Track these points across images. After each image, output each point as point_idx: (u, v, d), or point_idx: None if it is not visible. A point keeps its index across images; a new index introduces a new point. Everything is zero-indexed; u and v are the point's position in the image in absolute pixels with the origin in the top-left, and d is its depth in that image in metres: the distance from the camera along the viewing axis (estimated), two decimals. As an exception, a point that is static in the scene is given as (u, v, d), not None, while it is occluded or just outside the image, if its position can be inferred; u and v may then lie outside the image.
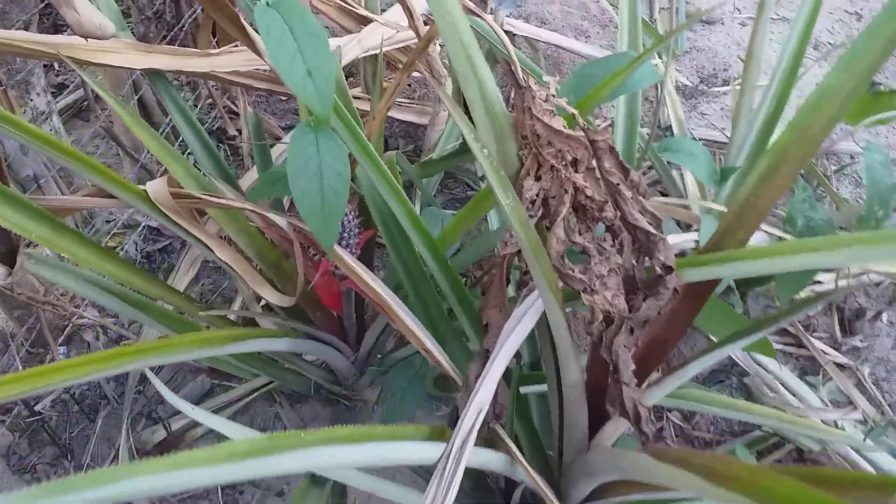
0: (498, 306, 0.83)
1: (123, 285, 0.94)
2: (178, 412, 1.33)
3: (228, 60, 1.19)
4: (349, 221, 0.98)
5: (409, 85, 1.89)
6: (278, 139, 1.87)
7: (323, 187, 0.78)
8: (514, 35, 1.62)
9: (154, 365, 0.81)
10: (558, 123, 0.75)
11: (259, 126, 1.46)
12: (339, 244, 0.98)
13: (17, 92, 1.22)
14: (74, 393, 1.37)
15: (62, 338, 1.39)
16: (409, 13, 1.11)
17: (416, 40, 1.22)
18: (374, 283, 0.91)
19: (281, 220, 0.88)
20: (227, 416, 1.33)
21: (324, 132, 0.80)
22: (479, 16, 0.76)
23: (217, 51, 1.18)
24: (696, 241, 0.88)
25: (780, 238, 1.03)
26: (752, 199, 0.73)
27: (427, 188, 1.41)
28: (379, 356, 1.33)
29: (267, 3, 0.78)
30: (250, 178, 1.74)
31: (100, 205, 0.91)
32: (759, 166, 0.70)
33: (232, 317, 1.26)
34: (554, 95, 0.77)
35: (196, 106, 1.93)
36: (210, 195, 0.90)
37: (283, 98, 2.01)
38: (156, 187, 0.90)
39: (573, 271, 0.73)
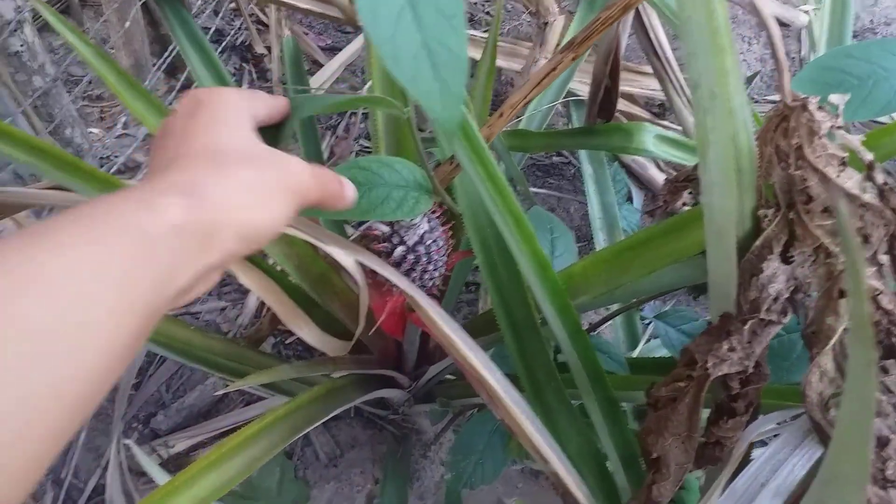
0: (681, 437, 0.56)
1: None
2: (183, 426, 1.10)
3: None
4: (434, 240, 0.69)
5: (488, 12, 1.52)
6: (318, 65, 1.54)
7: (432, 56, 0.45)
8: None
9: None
10: (852, 182, 0.45)
11: (297, 57, 1.15)
12: (420, 274, 0.70)
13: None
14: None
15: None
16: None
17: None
18: (470, 354, 0.64)
19: (345, 259, 0.59)
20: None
21: None
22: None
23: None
24: None
25: None
26: None
27: (515, 164, 1.10)
28: (439, 382, 1.07)
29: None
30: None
31: (64, 202, 0.62)
32: None
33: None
34: (840, 127, 0.46)
35: (216, 13, 1.59)
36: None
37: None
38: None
39: (849, 439, 0.45)
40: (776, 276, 0.49)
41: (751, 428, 0.51)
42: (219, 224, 0.32)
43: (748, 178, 0.47)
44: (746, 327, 0.50)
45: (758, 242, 0.50)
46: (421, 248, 0.68)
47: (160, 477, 0.58)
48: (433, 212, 0.69)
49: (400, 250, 0.67)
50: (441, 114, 0.46)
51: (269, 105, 0.44)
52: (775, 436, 0.53)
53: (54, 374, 0.23)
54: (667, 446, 0.56)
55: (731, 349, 0.50)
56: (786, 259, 0.49)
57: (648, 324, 1.24)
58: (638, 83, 1.38)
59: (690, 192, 0.67)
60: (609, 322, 1.16)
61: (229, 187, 0.33)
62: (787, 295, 0.49)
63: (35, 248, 0.24)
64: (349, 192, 0.46)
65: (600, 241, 1.11)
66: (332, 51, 1.63)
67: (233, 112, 0.38)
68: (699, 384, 0.53)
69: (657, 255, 0.60)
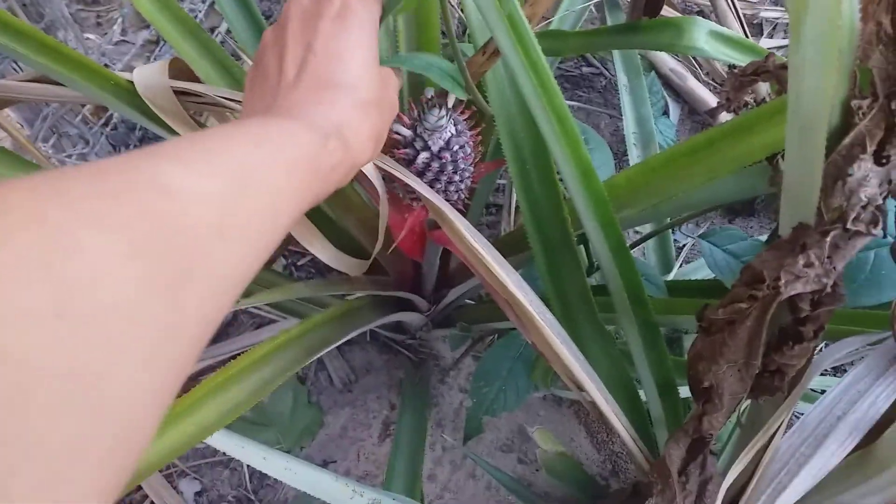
0: (738, 364, 0.50)
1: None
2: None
3: None
4: (461, 146, 0.63)
5: None
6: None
7: None
8: None
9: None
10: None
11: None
12: (445, 185, 0.64)
13: None
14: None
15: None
16: None
17: None
18: (501, 272, 0.58)
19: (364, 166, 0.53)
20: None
21: None
22: None
23: None
24: None
25: None
26: None
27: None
28: (458, 307, 1.02)
29: None
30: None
31: (50, 97, 0.56)
32: None
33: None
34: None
35: None
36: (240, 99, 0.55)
37: None
38: (148, 78, 0.55)
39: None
40: (867, 179, 0.42)
41: (823, 354, 0.46)
42: (354, 165, 0.39)
43: (846, 60, 0.40)
44: (828, 239, 0.43)
45: (847, 140, 0.43)
46: (447, 155, 0.61)
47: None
48: (460, 114, 0.62)
49: (423, 157, 0.61)
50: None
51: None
52: (840, 366, 0.48)
53: (254, 254, 0.29)
54: (721, 375, 0.51)
55: (809, 264, 0.44)
56: (879, 160, 0.42)
57: (682, 247, 1.18)
58: (678, -15, 1.27)
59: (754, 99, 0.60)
60: (640, 245, 1.10)
61: (364, 134, 0.40)
62: (879, 201, 0.42)
63: (252, 156, 0.30)
64: (400, 82, 0.51)
65: (634, 157, 1.03)
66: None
67: (374, 37, 0.43)
68: (764, 305, 0.47)
69: (720, 159, 0.53)
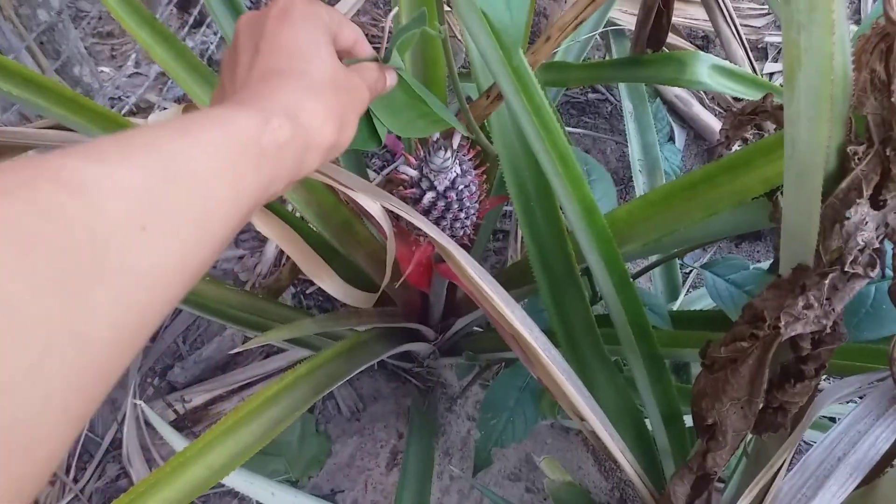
0: (740, 402, 0.51)
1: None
2: (201, 379, 1.08)
3: None
4: (466, 185, 0.64)
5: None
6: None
7: None
8: None
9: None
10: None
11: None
12: (450, 222, 0.65)
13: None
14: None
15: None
16: None
17: None
18: (507, 309, 0.59)
19: (371, 205, 0.54)
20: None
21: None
22: None
23: None
24: None
25: None
26: None
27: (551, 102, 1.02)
28: (465, 335, 1.03)
29: None
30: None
31: (67, 143, 0.57)
32: None
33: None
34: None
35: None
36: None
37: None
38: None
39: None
40: (864, 223, 0.43)
41: (825, 393, 0.46)
42: (310, 145, 0.38)
43: (840, 108, 0.41)
44: (826, 281, 0.44)
45: (844, 184, 0.43)
46: (452, 194, 0.62)
47: (173, 437, 0.55)
48: (465, 154, 0.63)
49: (430, 196, 0.62)
50: (504, 17, 0.41)
51: (354, 36, 0.47)
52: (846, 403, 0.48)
53: (186, 246, 0.28)
54: (724, 412, 0.51)
55: (808, 306, 0.44)
56: (876, 203, 0.43)
57: (689, 272, 1.18)
58: (681, 12, 1.29)
59: (756, 127, 0.60)
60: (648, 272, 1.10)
61: (319, 114, 0.39)
62: (876, 245, 0.43)
63: (175, 143, 0.29)
64: (391, 81, 0.49)
65: (640, 184, 1.04)
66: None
67: (322, 31, 0.43)
68: (766, 345, 0.48)
69: (718, 195, 0.53)
